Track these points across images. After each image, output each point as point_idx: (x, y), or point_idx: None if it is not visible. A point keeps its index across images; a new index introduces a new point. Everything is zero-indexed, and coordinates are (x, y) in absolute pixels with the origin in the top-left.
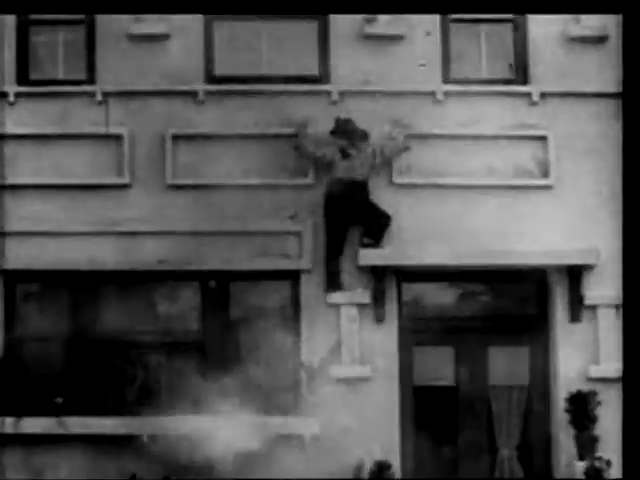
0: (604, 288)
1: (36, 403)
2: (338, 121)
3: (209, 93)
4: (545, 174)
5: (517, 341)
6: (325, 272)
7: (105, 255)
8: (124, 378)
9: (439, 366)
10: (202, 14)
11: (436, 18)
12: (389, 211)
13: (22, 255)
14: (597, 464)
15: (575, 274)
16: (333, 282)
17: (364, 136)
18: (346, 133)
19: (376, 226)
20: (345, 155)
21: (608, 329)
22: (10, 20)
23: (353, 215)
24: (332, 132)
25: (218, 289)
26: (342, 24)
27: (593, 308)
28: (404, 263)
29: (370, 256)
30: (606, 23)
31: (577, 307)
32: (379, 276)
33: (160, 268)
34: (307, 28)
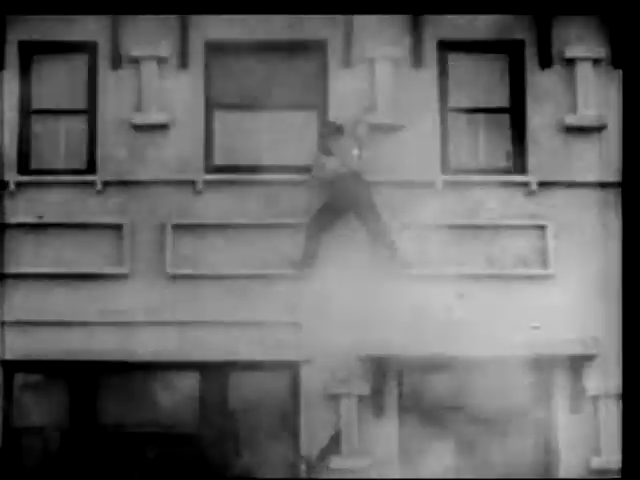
0: (605, 378)
1: None
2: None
3: (209, 183)
4: (544, 264)
5: (518, 432)
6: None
7: (104, 345)
8: (122, 469)
9: (440, 457)
10: (202, 14)
11: (435, 108)
12: (389, 300)
13: (21, 345)
14: None
15: (576, 364)
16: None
17: (340, 129)
18: (328, 132)
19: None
20: (328, 153)
21: (609, 420)
22: (12, 109)
23: (351, 205)
24: (321, 135)
25: (217, 380)
26: (341, 113)
27: (594, 399)
28: (404, 353)
29: (369, 347)
30: (603, 113)
31: (578, 398)
32: (379, 367)
33: (159, 358)
34: (306, 117)
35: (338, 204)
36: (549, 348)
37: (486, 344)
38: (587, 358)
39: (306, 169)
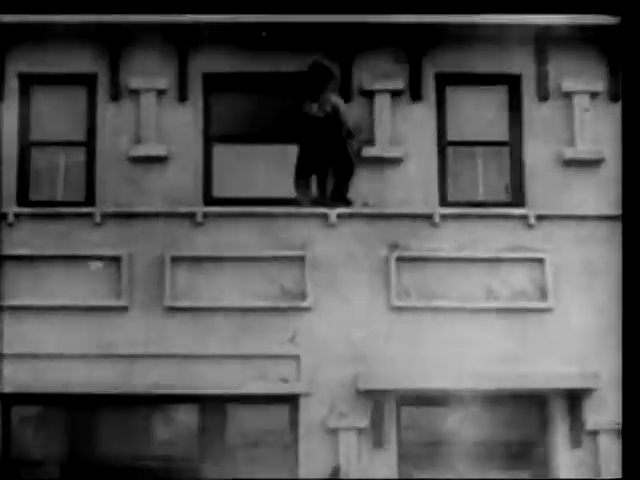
0: (605, 413)
1: None
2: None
3: (208, 215)
4: (543, 297)
5: (517, 466)
6: (295, 191)
7: (103, 378)
8: None
9: None
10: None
11: (433, 141)
12: (388, 334)
13: (19, 377)
14: None
15: (575, 398)
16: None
17: (332, 76)
18: (316, 77)
19: (343, 174)
20: (314, 99)
21: (609, 454)
22: (11, 141)
23: (327, 146)
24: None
25: (216, 413)
26: None
27: (594, 433)
28: (403, 387)
29: (369, 380)
30: (602, 146)
31: (578, 432)
32: (378, 400)
33: (158, 391)
34: None
35: (314, 148)
36: (548, 382)
37: (484, 377)
38: (586, 392)
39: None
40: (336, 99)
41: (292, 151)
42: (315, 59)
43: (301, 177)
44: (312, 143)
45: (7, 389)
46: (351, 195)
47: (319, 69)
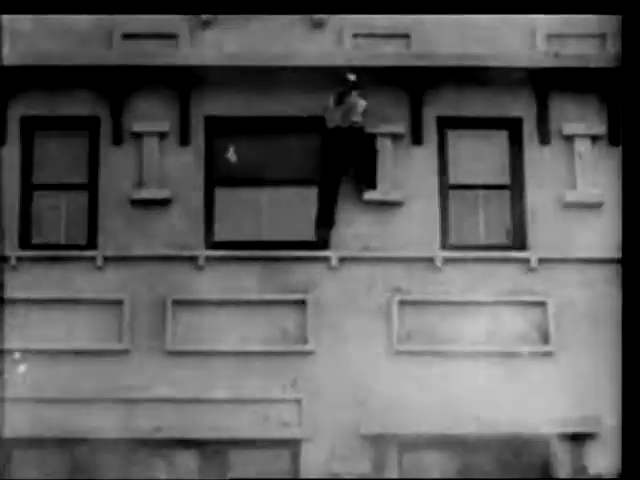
0: (607, 456)
1: None
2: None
3: (209, 258)
4: (545, 340)
5: None
6: (316, 225)
7: (104, 422)
8: None
9: None
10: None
11: (435, 184)
12: (390, 378)
13: (21, 422)
14: None
15: (577, 442)
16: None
17: (355, 84)
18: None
19: (369, 165)
20: (340, 102)
21: None
22: (14, 184)
23: (350, 159)
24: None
25: (217, 457)
26: (341, 190)
27: (596, 478)
28: (404, 432)
29: (371, 424)
30: (602, 189)
31: (579, 477)
32: (380, 445)
33: (158, 435)
34: (307, 194)
35: (338, 158)
36: (549, 426)
37: (486, 422)
38: (588, 436)
39: (306, 244)
40: (355, 99)
41: (293, 194)
42: (347, 71)
43: (324, 213)
44: (336, 157)
45: (8, 433)
46: (352, 239)
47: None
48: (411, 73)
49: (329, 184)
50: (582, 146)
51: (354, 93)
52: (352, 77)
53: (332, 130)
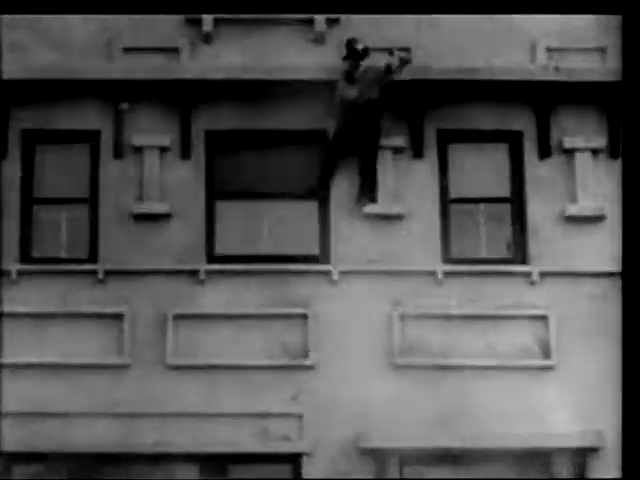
0: (610, 471)
1: None
2: (348, 44)
3: (210, 272)
4: (546, 354)
5: None
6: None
7: (104, 436)
8: None
9: None
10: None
11: (435, 198)
12: (391, 392)
13: (20, 436)
14: None
15: (579, 457)
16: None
17: (365, 52)
18: (351, 54)
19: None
20: (350, 80)
21: None
22: (14, 198)
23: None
24: (344, 58)
25: (218, 472)
26: (342, 204)
27: (597, 478)
28: (406, 446)
29: (372, 439)
30: (603, 203)
31: None
32: (381, 459)
33: (159, 450)
34: (307, 207)
35: (349, 132)
36: (552, 440)
37: (487, 436)
38: (590, 451)
39: (307, 258)
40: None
41: (294, 207)
42: (349, 38)
43: (327, 169)
44: (348, 131)
45: (8, 447)
46: (353, 253)
47: (352, 48)
48: (411, 87)
49: (337, 144)
50: (583, 159)
51: (364, 64)
52: (360, 46)
53: (346, 104)
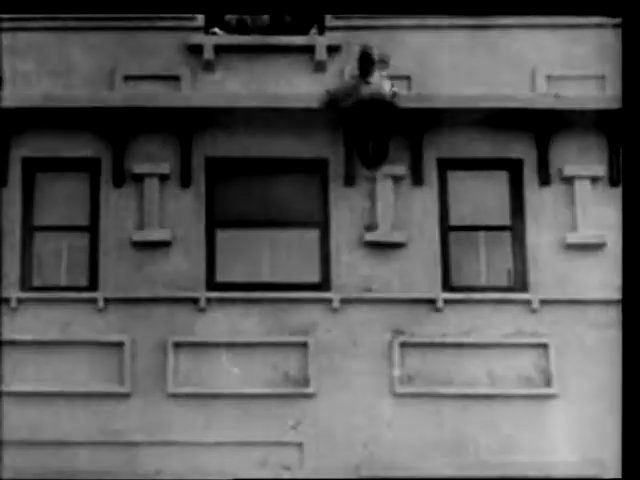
0: None
1: None
2: (362, 56)
3: (211, 300)
4: (547, 382)
5: None
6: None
7: (105, 465)
8: None
9: None
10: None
11: (435, 225)
12: (390, 422)
13: (20, 464)
14: None
15: None
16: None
17: (383, 63)
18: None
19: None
20: (367, 82)
21: None
22: (15, 226)
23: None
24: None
25: None
26: (343, 231)
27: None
28: (406, 474)
29: (373, 468)
30: (604, 231)
31: None
32: None
33: (160, 479)
34: (308, 236)
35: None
36: (552, 470)
37: (488, 464)
38: None
39: (309, 286)
40: (380, 80)
41: (294, 236)
42: (363, 47)
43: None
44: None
45: (8, 476)
46: (354, 281)
47: (366, 56)
48: (412, 115)
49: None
50: (583, 187)
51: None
52: (376, 53)
53: (355, 104)
